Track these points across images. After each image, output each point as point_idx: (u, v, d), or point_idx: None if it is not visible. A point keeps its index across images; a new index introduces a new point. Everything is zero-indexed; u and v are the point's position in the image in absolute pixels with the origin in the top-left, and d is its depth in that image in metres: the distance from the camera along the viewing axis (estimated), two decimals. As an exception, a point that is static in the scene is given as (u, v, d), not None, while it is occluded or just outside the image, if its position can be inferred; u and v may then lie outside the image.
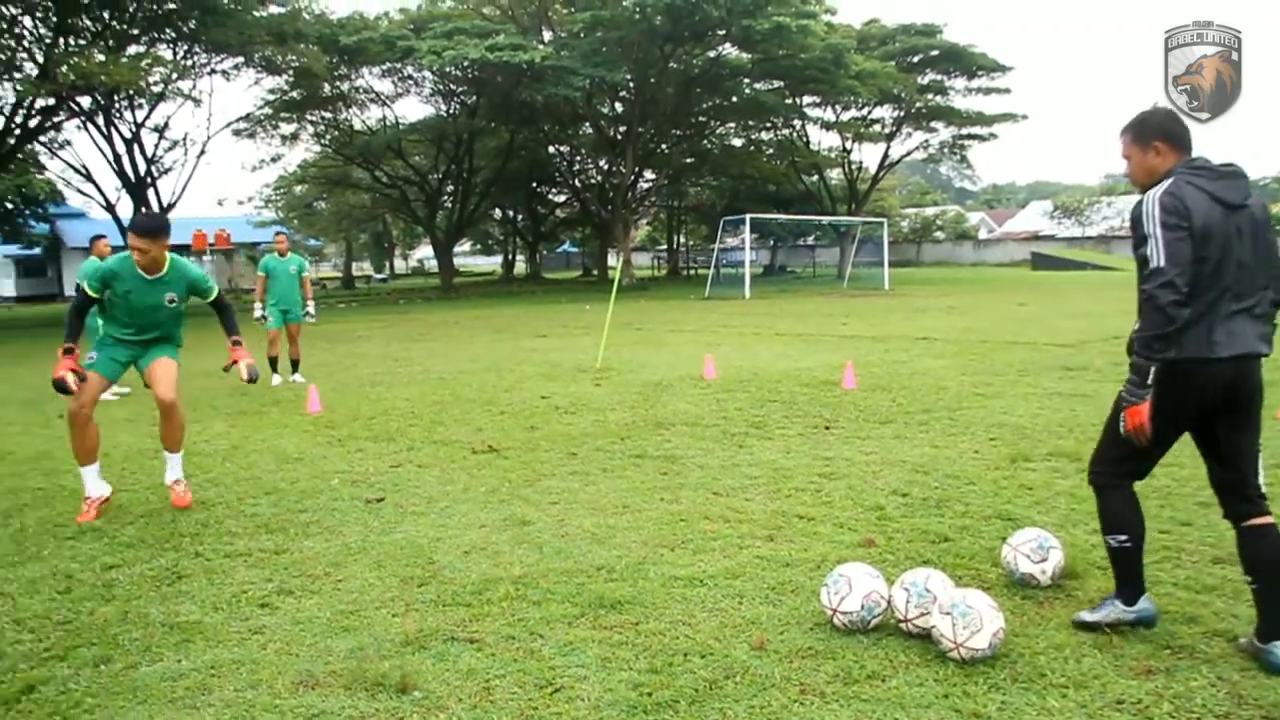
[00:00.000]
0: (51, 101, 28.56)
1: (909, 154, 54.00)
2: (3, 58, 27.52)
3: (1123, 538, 3.86)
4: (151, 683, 3.67)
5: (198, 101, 34.71)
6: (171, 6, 29.54)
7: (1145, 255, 3.54)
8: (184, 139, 37.18)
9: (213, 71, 34.81)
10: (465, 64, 35.42)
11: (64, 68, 24.90)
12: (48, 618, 4.38)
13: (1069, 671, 3.57)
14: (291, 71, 35.31)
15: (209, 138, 41.19)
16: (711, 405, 9.44)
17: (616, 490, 6.31)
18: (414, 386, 11.55)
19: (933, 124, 49.88)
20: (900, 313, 22.11)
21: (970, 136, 51.11)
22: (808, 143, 50.75)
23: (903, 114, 48.44)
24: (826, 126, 49.65)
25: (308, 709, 3.42)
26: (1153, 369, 3.54)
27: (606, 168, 47.65)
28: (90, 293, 6.24)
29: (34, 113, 29.39)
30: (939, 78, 47.01)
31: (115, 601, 4.55)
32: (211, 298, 6.57)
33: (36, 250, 52.66)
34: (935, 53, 45.39)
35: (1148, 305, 3.52)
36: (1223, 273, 3.56)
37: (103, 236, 12.07)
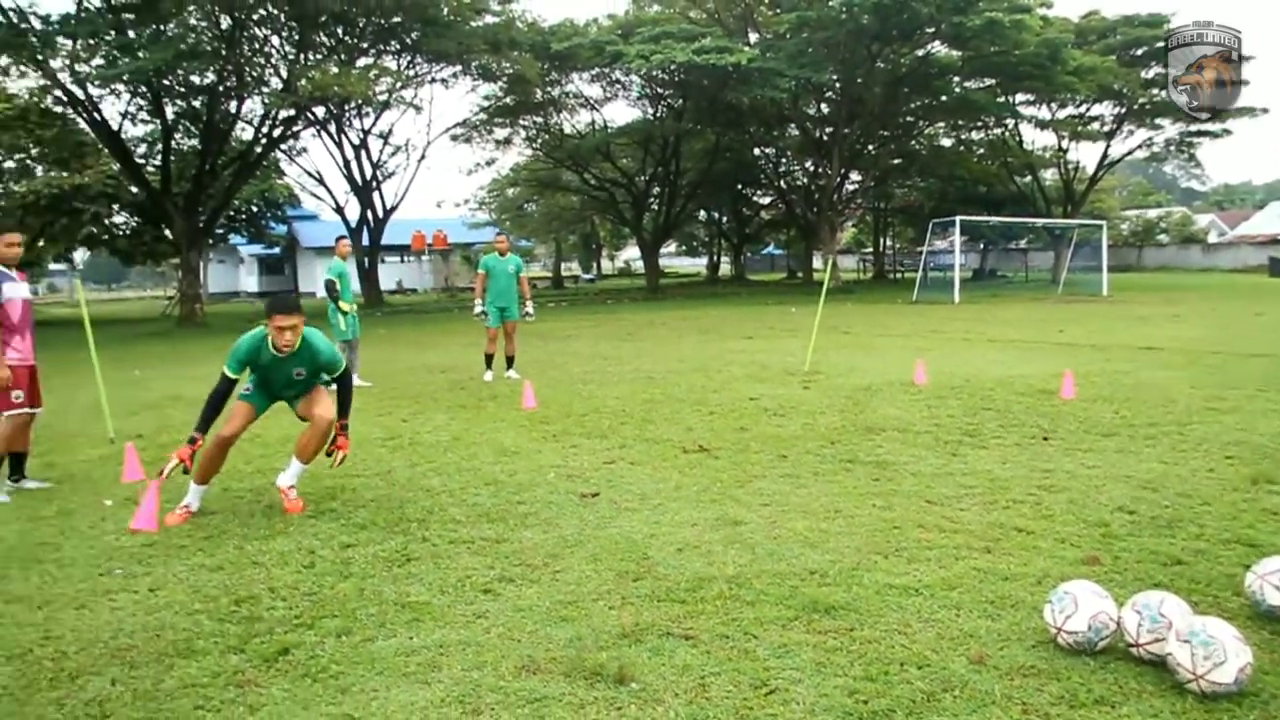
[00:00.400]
0: (292, 112, 30.68)
1: (1130, 153, 50.93)
2: (254, 74, 29.81)
3: None
4: (387, 656, 3.92)
5: (419, 109, 36.58)
6: (397, 20, 31.22)
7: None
8: (406, 144, 39.38)
9: (433, 80, 36.68)
10: (672, 67, 35.85)
11: (303, 81, 26.71)
12: (296, 589, 4.75)
13: (1326, 714, 3.33)
14: (506, 78, 36.68)
15: (429, 143, 43.81)
16: (923, 411, 9.24)
17: (828, 494, 6.27)
18: (624, 385, 11.80)
19: (1157, 120, 46.86)
20: (1121, 320, 20.98)
21: (1201, 133, 47.72)
22: (1021, 142, 48.70)
23: (1124, 110, 45.73)
24: (1041, 125, 47.44)
25: (530, 693, 3.57)
26: None
27: (812, 169, 47.23)
28: (230, 374, 6.15)
29: (277, 123, 31.65)
30: (1165, 71, 44.16)
31: (352, 578, 4.87)
32: (336, 374, 6.40)
33: (276, 250, 56.65)
34: (1161, 45, 42.64)
35: None
36: None
37: (344, 237, 13.05)
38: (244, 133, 33.70)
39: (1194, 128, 47.05)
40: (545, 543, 5.41)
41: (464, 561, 5.11)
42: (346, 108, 34.56)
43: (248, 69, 29.64)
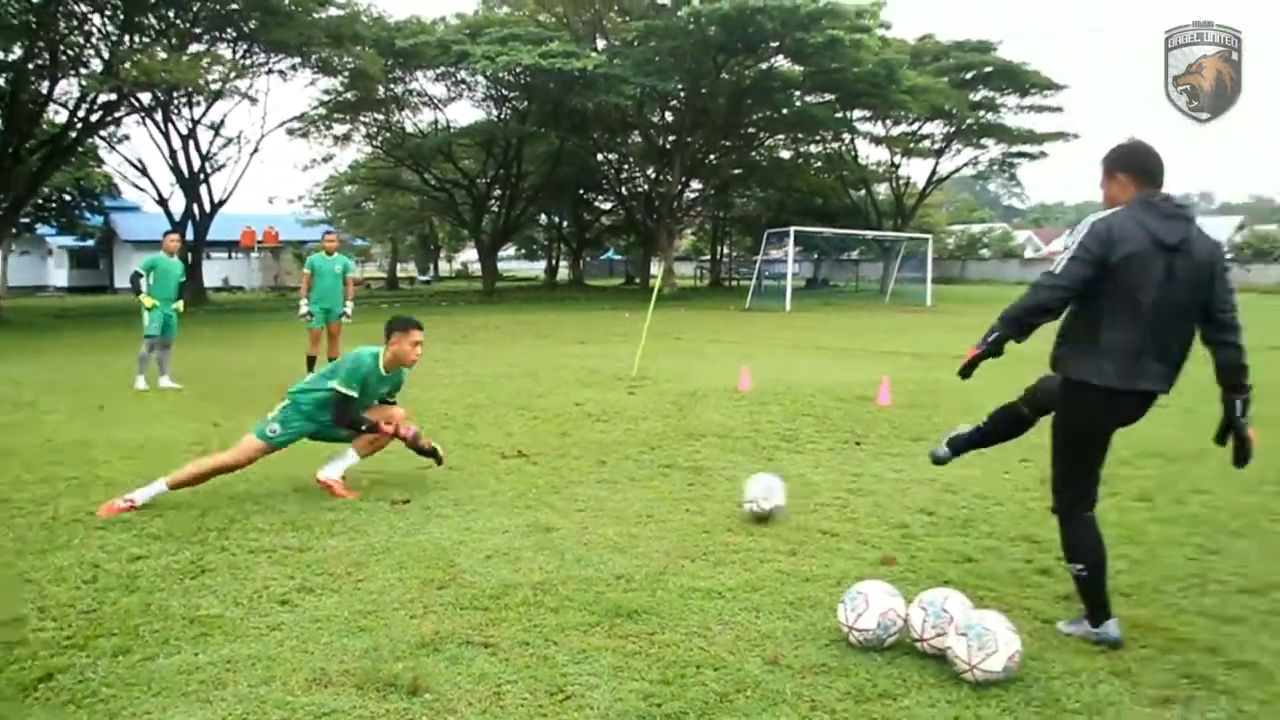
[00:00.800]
0: (113, 97, 29.11)
1: (958, 170, 53.55)
2: (71, 54, 28.08)
3: (1080, 567, 3.99)
4: (167, 675, 3.71)
5: (254, 100, 35.29)
6: (234, 6, 30.04)
7: (1055, 257, 3.84)
8: (238, 136, 37.73)
9: (270, 71, 35.37)
10: (518, 70, 35.66)
11: (128, 65, 25.36)
12: (72, 606, 4.44)
13: (1084, 698, 3.52)
14: (347, 73, 35.71)
15: (263, 136, 41.69)
16: (744, 417, 9.41)
17: (643, 500, 6.31)
18: (450, 389, 11.62)
19: (983, 141, 49.36)
20: (942, 330, 21.92)
21: (1020, 154, 50.53)
22: (856, 157, 50.47)
23: (953, 130, 48.01)
24: (876, 141, 49.30)
25: (318, 707, 3.44)
26: (999, 336, 3.93)
27: (654, 176, 47.69)
28: (352, 393, 6.38)
29: (96, 108, 29.97)
30: (991, 94, 46.50)
31: (139, 593, 4.60)
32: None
33: (90, 242, 53.60)
34: (989, 69, 44.96)
35: (1033, 290, 3.84)
36: (1143, 307, 3.75)
37: (173, 232, 12.51)
38: (57, 115, 31.77)
39: (1014, 149, 49.77)
40: (351, 551, 5.26)
41: (263, 572, 4.91)
42: (175, 95, 32.96)
43: (63, 47, 27.87)
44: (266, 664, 3.80)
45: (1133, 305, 3.75)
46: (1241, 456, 4.06)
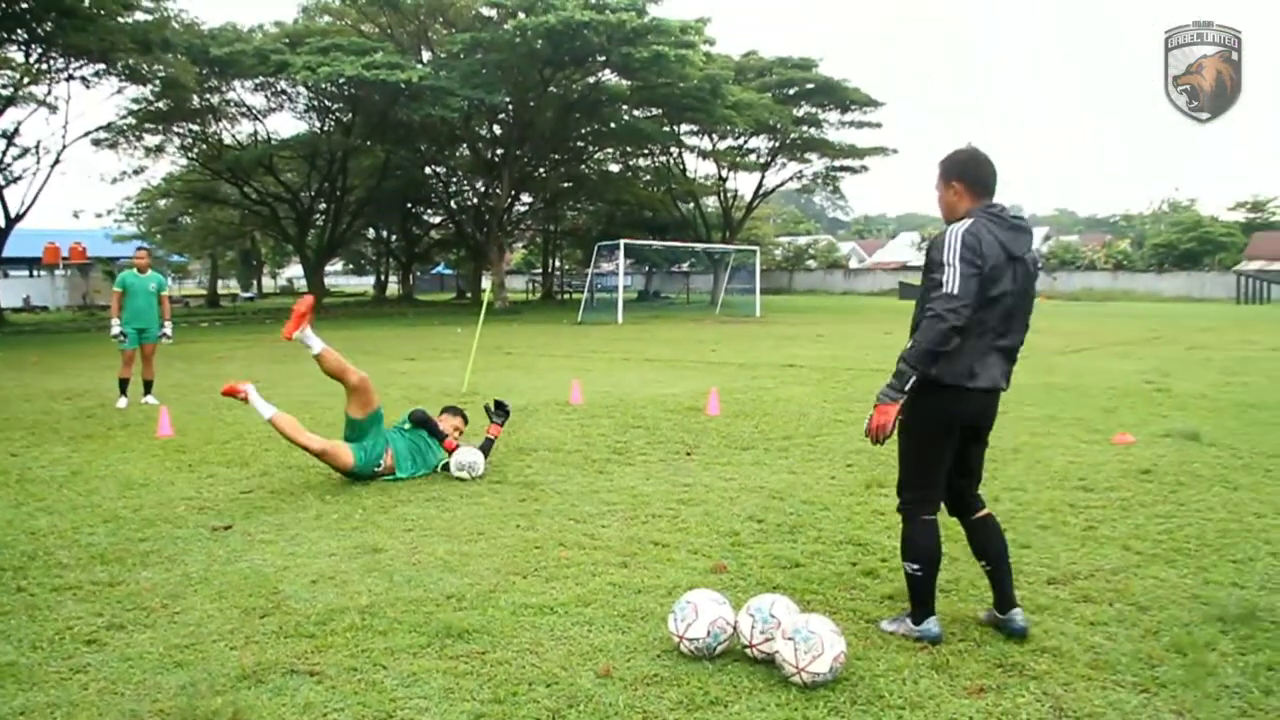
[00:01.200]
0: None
1: (783, 184, 55.22)
2: None
3: (916, 566, 4.13)
4: (-46, 730, 3.45)
5: (53, 108, 33.26)
6: (24, 6, 28.17)
7: (939, 280, 3.85)
8: (37, 146, 35.28)
9: (70, 78, 33.34)
10: (341, 81, 34.74)
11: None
12: None
13: (906, 693, 3.66)
14: (158, 81, 34.03)
15: (64, 146, 39.26)
16: (575, 431, 9.42)
17: (473, 517, 6.23)
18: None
19: (807, 155, 51.07)
20: (769, 340, 22.50)
21: (843, 168, 52.48)
22: (684, 170, 51.41)
23: (778, 144, 49.48)
24: (703, 155, 50.32)
25: (128, 750, 3.26)
26: (914, 379, 3.87)
27: (483, 190, 47.36)
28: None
29: None
30: (814, 110, 48.19)
31: (-78, 641, 4.25)
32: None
33: None
34: (811, 86, 46.59)
35: (931, 322, 3.82)
36: (994, 312, 3.94)
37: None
38: None
39: (837, 163, 51.65)
40: (166, 582, 5.01)
41: (67, 610, 4.61)
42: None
43: None
44: (68, 710, 3.57)
45: (989, 311, 3.91)
46: None
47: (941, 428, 4.06)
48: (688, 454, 8.27)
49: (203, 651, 4.09)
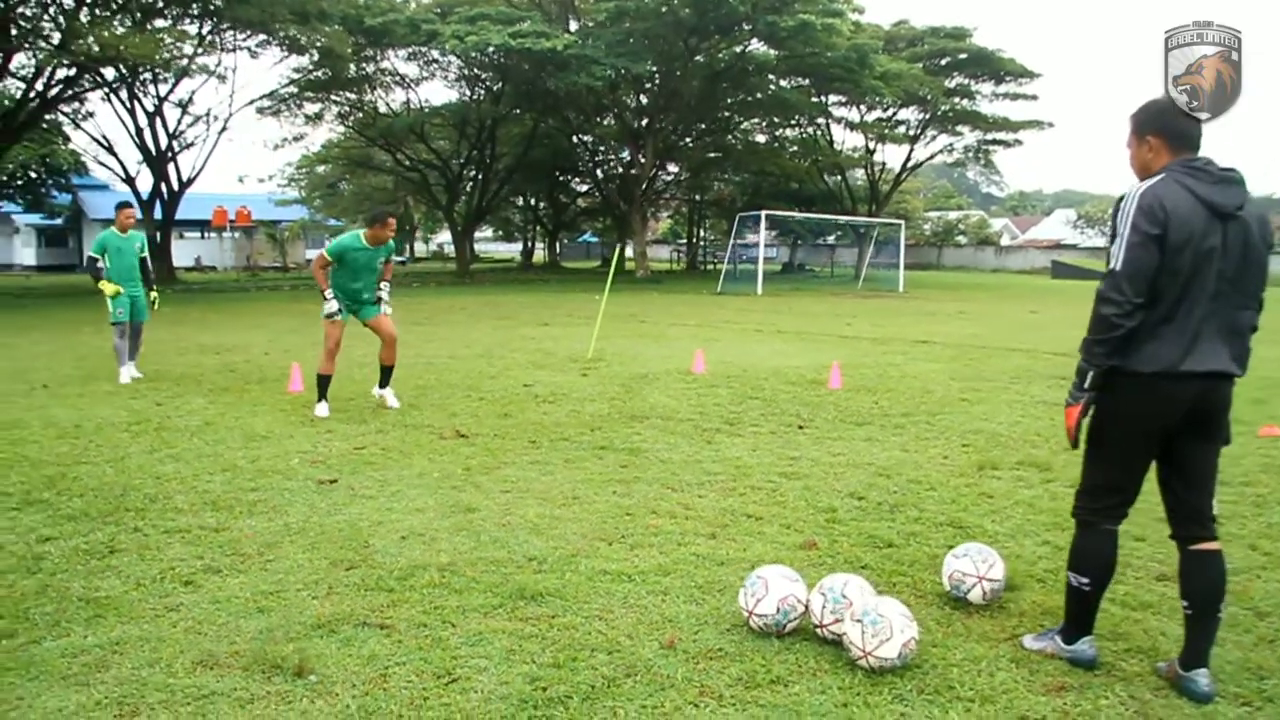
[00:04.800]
0: (73, 71, 28.64)
1: (932, 157, 53.64)
2: (26, 26, 27.53)
3: (1085, 580, 3.63)
4: (50, 658, 3.64)
5: (222, 78, 34.85)
6: (197, -19, 29.52)
7: (1109, 254, 3.41)
8: (207, 114, 37.14)
9: (237, 48, 34.90)
10: (489, 49, 35.30)
11: (84, 39, 24.92)
12: (-34, 590, 4.35)
13: (979, 685, 3.49)
14: (316, 51, 35.28)
15: (231, 114, 41.17)
16: (691, 400, 9.36)
17: (571, 481, 6.25)
18: (401, 370, 11.41)
19: (958, 128, 49.47)
20: (908, 316, 21.93)
21: (995, 142, 50.68)
22: (831, 142, 50.46)
23: (928, 116, 48.10)
24: (851, 126, 49.32)
25: (199, 689, 3.38)
26: (1091, 373, 3.42)
27: (628, 159, 47.52)
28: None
29: (55, 82, 29.48)
30: (966, 81, 46.60)
31: (39, 575, 4.52)
32: None
33: (58, 220, 52.95)
34: (963, 56, 45.04)
35: (1095, 307, 3.39)
36: (1200, 283, 3.33)
37: (127, 205, 11.24)
38: (16, 90, 31.19)
39: (990, 136, 49.86)
40: (267, 531, 5.19)
41: (173, 552, 4.84)
42: (139, 71, 32.49)
43: (17, 19, 27.19)
44: (154, 646, 3.74)
45: (1191, 283, 3.33)
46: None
47: (1133, 425, 3.47)
48: (800, 427, 8.11)
49: (285, 599, 4.22)
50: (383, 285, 9.07)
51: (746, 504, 5.78)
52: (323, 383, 8.71)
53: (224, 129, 37.05)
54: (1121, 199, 3.42)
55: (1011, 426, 8.24)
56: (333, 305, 8.74)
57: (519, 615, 4.05)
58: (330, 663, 3.59)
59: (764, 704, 3.32)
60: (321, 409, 8.58)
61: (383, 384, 9.14)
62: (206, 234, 53.57)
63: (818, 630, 3.83)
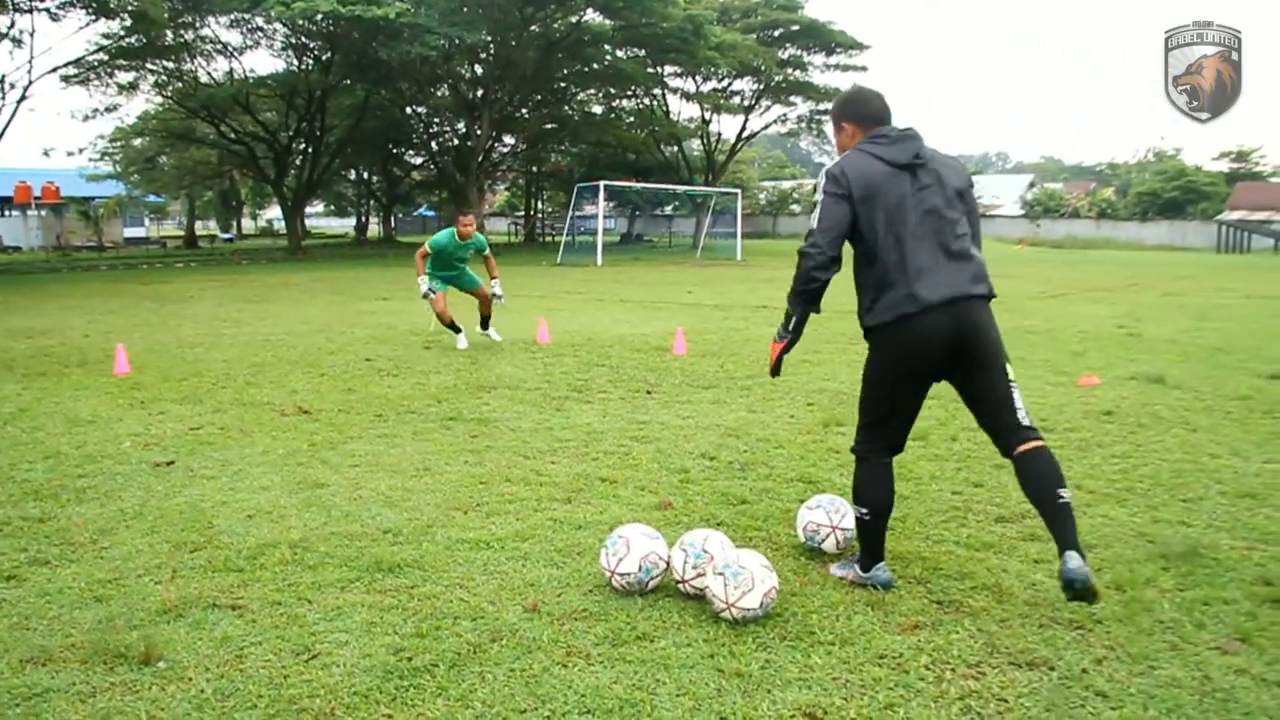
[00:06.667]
0: None
1: (766, 127, 54.65)
2: None
3: (864, 510, 3.94)
4: None
5: (18, 41, 32.48)
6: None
7: (810, 219, 3.77)
8: (1, 81, 34.49)
9: (33, 9, 32.49)
10: (317, 17, 34.05)
11: None
12: None
13: (838, 629, 3.59)
14: (127, 15, 33.25)
15: (31, 82, 38.38)
16: (537, 369, 9.32)
17: (421, 453, 6.14)
18: (236, 348, 11.07)
19: (791, 98, 50.53)
20: (747, 283, 22.37)
21: (827, 112, 51.88)
22: (668, 112, 50.81)
23: (762, 87, 48.95)
24: (687, 97, 49.79)
25: (30, 688, 3.17)
26: (795, 318, 3.85)
27: (464, 131, 46.75)
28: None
29: None
30: (798, 53, 47.58)
31: None
32: None
33: None
34: (796, 28, 45.94)
35: (799, 262, 3.75)
36: (905, 225, 3.64)
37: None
38: None
39: (821, 107, 51.04)
40: (99, 518, 4.91)
41: (-7, 546, 4.52)
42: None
43: None
44: (-25, 644, 3.49)
45: (896, 227, 3.64)
46: None
47: (893, 367, 3.78)
48: (648, 392, 8.18)
49: (125, 586, 4.00)
50: (493, 281, 11.05)
51: (600, 468, 5.79)
52: (451, 326, 10.90)
53: (23, 98, 34.47)
54: (816, 181, 3.80)
55: (853, 385, 8.36)
56: (424, 286, 10.72)
57: (377, 588, 3.95)
58: (180, 648, 3.43)
59: (631, 660, 3.34)
60: (461, 341, 10.88)
61: (484, 326, 11.22)
62: (8, 212, 50.15)
63: (680, 586, 3.87)
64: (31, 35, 33.32)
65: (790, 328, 3.88)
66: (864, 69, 48.68)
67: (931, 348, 3.69)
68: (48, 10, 32.39)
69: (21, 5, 31.64)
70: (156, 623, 3.64)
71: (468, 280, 11.03)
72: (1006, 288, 19.04)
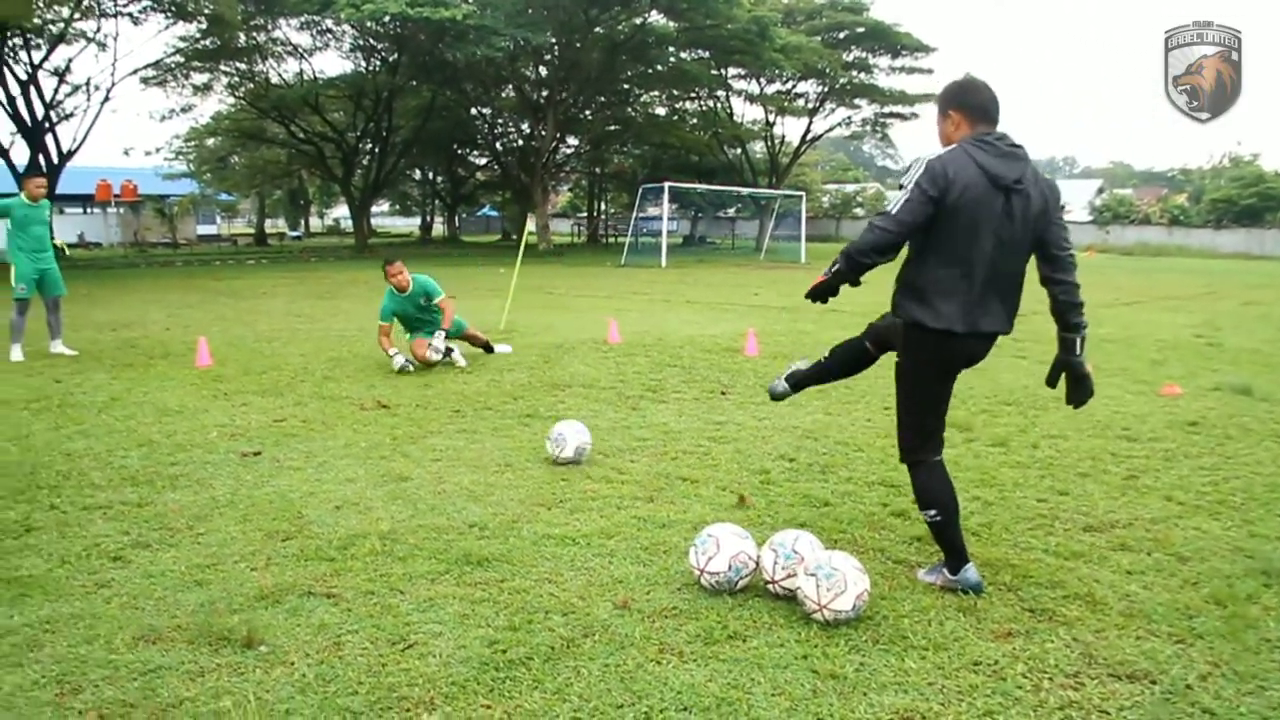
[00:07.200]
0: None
1: (831, 130, 54.33)
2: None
3: (933, 513, 3.92)
4: (-25, 638, 3.48)
5: (102, 45, 33.36)
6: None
7: (889, 199, 3.71)
8: (87, 84, 35.41)
9: (118, 14, 33.38)
10: (385, 19, 34.51)
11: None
12: (-124, 570, 4.13)
13: (931, 634, 3.57)
14: (203, 18, 33.99)
15: (114, 84, 39.30)
16: (610, 368, 9.36)
17: (501, 449, 6.20)
18: (311, 343, 11.25)
19: (856, 101, 50.18)
20: (813, 286, 22.21)
21: (893, 115, 51.51)
22: (731, 114, 50.70)
23: (826, 89, 48.65)
24: (751, 99, 49.65)
25: (144, 664, 3.27)
26: (838, 273, 3.81)
27: (528, 132, 47.05)
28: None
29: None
30: (864, 55, 47.24)
31: (-48, 555, 4.31)
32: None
33: (-75, 193, 50.29)
34: (861, 30, 45.58)
35: (870, 229, 3.69)
36: (980, 249, 3.66)
37: (37, 176, 10.41)
38: None
39: (887, 110, 50.67)
40: (193, 504, 5.03)
41: (96, 528, 4.66)
42: (8, 35, 30.84)
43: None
44: (90, 622, 3.60)
45: (970, 245, 3.64)
46: (1080, 394, 3.97)
47: (930, 370, 3.89)
48: (722, 393, 8.18)
49: (223, 571, 4.10)
50: (436, 334, 9.38)
51: (679, 467, 5.80)
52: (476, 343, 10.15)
53: (106, 99, 35.40)
54: (912, 163, 3.73)
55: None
56: (397, 362, 9.16)
57: (467, 580, 4.00)
58: (280, 633, 3.50)
59: (725, 658, 3.35)
60: (503, 347, 10.52)
61: (488, 350, 10.27)
62: (90, 209, 51.44)
63: (769, 586, 3.87)
64: (115, 40, 34.22)
65: (834, 272, 3.83)
66: (930, 71, 48.31)
67: (959, 361, 3.89)
68: (130, 15, 33.21)
69: (108, 10, 32.47)
70: (255, 608, 3.72)
71: (454, 331, 9.74)
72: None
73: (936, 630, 3.60)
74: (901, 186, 3.70)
